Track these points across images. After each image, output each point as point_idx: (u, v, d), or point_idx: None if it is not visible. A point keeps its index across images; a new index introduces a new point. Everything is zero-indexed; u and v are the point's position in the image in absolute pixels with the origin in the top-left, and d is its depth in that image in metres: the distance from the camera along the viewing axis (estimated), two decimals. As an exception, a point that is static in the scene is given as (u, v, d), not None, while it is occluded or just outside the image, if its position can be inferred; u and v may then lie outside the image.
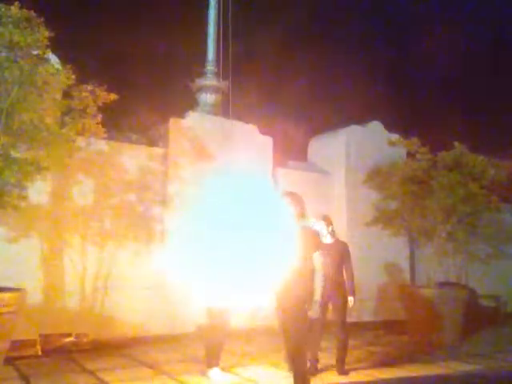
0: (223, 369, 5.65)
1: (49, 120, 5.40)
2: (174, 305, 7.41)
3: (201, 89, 9.49)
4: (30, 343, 6.29)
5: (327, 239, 5.96)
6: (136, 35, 11.48)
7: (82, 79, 5.71)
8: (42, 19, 5.09)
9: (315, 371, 5.75)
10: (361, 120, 10.09)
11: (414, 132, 8.75)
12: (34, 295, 6.19)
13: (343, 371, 5.79)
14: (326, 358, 6.11)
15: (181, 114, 8.30)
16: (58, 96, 5.70)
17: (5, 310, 4.96)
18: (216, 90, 9.45)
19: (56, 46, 5.46)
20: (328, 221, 6.02)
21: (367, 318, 9.03)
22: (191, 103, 9.48)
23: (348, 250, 6.03)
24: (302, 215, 5.35)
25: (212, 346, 5.58)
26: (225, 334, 5.69)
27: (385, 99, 12.64)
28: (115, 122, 7.34)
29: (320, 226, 5.89)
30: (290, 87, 12.45)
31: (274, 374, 5.79)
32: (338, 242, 6.04)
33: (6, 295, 5.09)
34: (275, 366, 6.12)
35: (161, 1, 12.18)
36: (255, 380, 5.52)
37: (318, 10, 13.44)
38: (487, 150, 8.34)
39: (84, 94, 5.73)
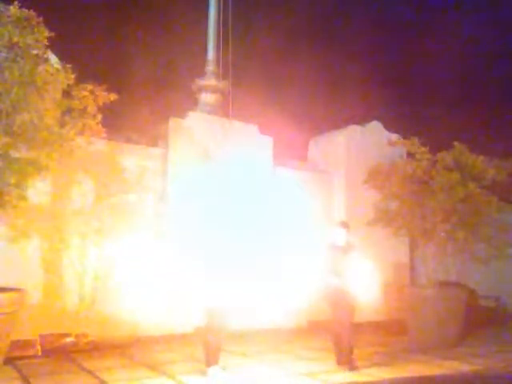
0: (223, 368, 5.65)
1: (49, 120, 5.40)
2: (173, 305, 7.41)
3: (201, 89, 9.49)
4: (30, 343, 6.29)
5: (341, 242, 6.34)
6: (136, 35, 11.48)
7: (82, 79, 5.71)
8: (42, 19, 5.09)
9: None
10: (361, 120, 10.10)
11: (413, 132, 8.75)
12: (34, 295, 6.19)
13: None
14: (327, 357, 6.12)
15: (181, 114, 8.30)
16: (58, 96, 5.70)
17: (5, 310, 4.97)
18: (216, 89, 9.44)
19: (56, 46, 5.46)
20: (345, 226, 6.46)
21: (367, 318, 9.02)
22: (191, 103, 9.48)
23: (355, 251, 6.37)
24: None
25: (211, 345, 5.58)
26: (224, 333, 5.69)
27: (385, 99, 12.63)
28: (115, 122, 7.34)
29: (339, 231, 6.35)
30: (290, 87, 12.46)
31: (273, 374, 5.80)
32: (348, 243, 6.39)
33: (6, 295, 5.10)
34: (275, 366, 6.13)
35: (161, 1, 12.18)
36: (255, 380, 5.52)
37: (318, 9, 13.44)
38: (487, 150, 8.34)
39: (84, 93, 5.74)
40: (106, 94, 5.90)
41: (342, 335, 6.00)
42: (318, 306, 8.81)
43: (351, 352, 6.02)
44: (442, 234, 8.14)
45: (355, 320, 6.14)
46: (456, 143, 8.17)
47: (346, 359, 5.98)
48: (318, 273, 6.20)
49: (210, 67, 9.60)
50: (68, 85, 5.54)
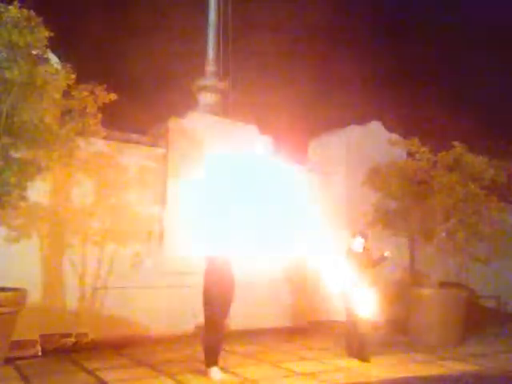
0: (223, 369, 5.65)
1: (49, 120, 5.40)
2: (173, 305, 7.41)
3: (201, 89, 9.48)
4: (30, 343, 6.29)
5: (359, 249, 6.93)
6: (136, 35, 11.49)
7: (82, 79, 5.71)
8: (42, 19, 5.08)
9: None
10: (361, 120, 10.09)
11: (414, 132, 8.75)
12: (34, 295, 6.19)
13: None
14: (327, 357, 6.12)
15: (181, 113, 8.30)
16: (58, 96, 5.69)
17: (5, 310, 4.97)
18: (216, 90, 9.44)
19: (56, 45, 5.46)
20: (365, 235, 7.05)
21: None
22: (191, 103, 9.48)
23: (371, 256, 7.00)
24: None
25: (211, 345, 5.58)
26: (224, 333, 5.69)
27: (385, 99, 12.64)
28: (115, 122, 7.35)
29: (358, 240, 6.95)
30: (290, 87, 12.46)
31: (274, 374, 5.80)
32: (365, 250, 6.98)
33: (6, 295, 5.10)
34: (275, 366, 6.13)
35: (161, 1, 12.18)
36: (255, 380, 5.52)
37: (318, 9, 13.44)
38: (487, 150, 8.33)
39: (84, 93, 5.73)
40: (105, 93, 5.89)
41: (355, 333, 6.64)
42: (319, 306, 8.85)
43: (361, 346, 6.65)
44: (443, 233, 8.15)
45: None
46: (456, 143, 8.17)
47: (360, 353, 6.60)
48: (335, 277, 6.76)
49: (210, 67, 9.60)
50: (68, 85, 5.54)
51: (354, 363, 6.37)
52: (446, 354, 7.03)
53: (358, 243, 6.95)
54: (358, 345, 6.63)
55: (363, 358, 6.47)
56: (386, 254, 6.92)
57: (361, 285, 6.59)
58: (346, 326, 6.95)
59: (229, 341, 6.18)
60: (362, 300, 6.55)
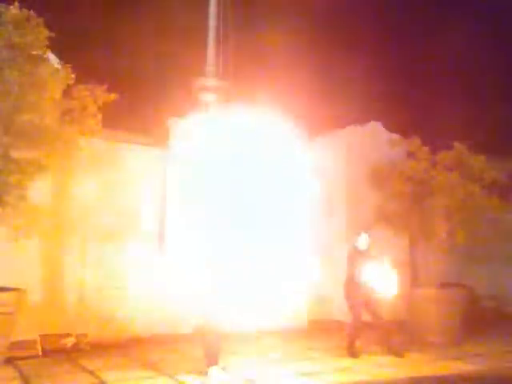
0: (223, 369, 5.65)
1: (49, 120, 5.40)
2: (174, 305, 7.42)
3: (201, 89, 9.48)
4: (30, 343, 6.29)
5: (364, 246, 7.04)
6: (136, 35, 11.48)
7: (82, 79, 5.72)
8: (42, 19, 5.09)
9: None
10: (361, 120, 10.08)
11: (414, 132, 8.74)
12: (34, 295, 6.19)
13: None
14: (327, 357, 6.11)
15: (181, 114, 8.30)
16: (58, 96, 5.70)
17: (5, 310, 4.97)
18: (216, 89, 9.44)
19: (56, 45, 5.46)
20: (368, 232, 7.16)
21: (367, 317, 9.01)
22: (191, 103, 9.47)
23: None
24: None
25: (211, 345, 5.58)
26: (222, 331, 5.69)
27: (385, 99, 12.62)
28: (115, 122, 7.35)
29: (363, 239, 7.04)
30: (291, 87, 12.45)
31: (273, 374, 5.79)
32: (369, 248, 7.08)
33: (6, 295, 5.10)
34: (275, 366, 6.13)
35: (161, 1, 12.18)
36: (255, 380, 5.52)
37: (319, 9, 13.43)
38: (487, 150, 8.33)
39: (84, 93, 5.74)
40: (105, 93, 5.90)
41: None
42: (319, 306, 8.85)
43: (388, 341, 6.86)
44: (443, 233, 8.15)
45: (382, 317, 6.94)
46: (456, 143, 8.17)
47: (349, 350, 6.70)
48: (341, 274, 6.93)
49: (210, 67, 9.60)
50: (68, 85, 5.55)
51: (354, 363, 6.37)
52: (447, 354, 7.02)
53: (364, 240, 7.03)
54: (386, 342, 6.83)
55: (397, 353, 6.65)
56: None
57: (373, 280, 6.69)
58: (347, 326, 6.98)
59: (229, 341, 6.18)
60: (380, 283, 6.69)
